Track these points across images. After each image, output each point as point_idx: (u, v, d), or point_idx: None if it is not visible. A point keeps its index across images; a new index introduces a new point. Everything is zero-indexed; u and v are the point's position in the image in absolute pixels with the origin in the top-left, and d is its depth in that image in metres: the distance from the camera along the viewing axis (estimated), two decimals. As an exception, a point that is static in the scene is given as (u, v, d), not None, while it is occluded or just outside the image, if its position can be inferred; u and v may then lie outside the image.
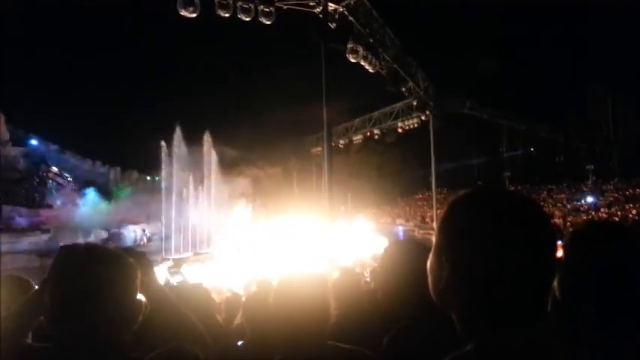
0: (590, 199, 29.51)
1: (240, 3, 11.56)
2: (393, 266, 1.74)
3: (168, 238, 26.03)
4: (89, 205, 34.24)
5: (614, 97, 37.97)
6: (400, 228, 29.96)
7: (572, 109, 38.60)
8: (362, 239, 22.59)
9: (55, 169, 36.73)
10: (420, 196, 42.72)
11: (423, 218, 30.27)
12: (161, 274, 17.64)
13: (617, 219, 22.38)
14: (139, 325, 1.26)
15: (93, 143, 41.08)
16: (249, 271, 13.00)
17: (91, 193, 35.51)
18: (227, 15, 11.61)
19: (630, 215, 24.08)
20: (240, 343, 2.51)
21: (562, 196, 32.64)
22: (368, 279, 7.32)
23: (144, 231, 31.19)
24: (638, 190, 29.70)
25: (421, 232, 26.88)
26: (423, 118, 20.76)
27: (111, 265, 1.21)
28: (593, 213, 26.93)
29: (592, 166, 35.70)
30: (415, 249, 1.72)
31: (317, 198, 22.76)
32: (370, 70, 14.99)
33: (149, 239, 30.64)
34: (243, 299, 4.34)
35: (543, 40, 40.30)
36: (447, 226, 0.86)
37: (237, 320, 3.34)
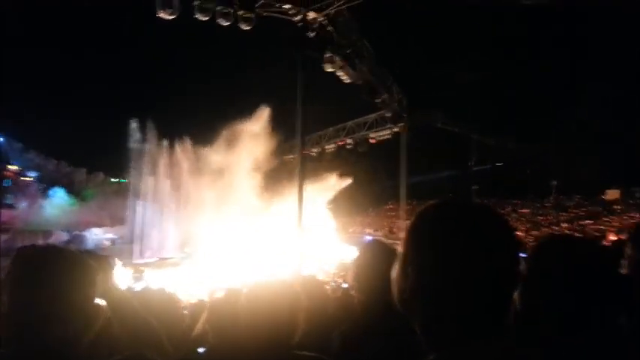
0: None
1: (219, 7, 11.48)
2: (364, 267, 1.79)
3: (133, 242, 25.46)
4: (52, 206, 33.22)
5: (580, 114, 39.32)
6: (369, 238, 30.14)
7: (539, 125, 39.84)
8: (326, 247, 22.59)
9: (12, 167, 35.52)
10: (390, 206, 43.17)
11: (391, 229, 30.57)
12: (124, 279, 17.18)
13: (578, 234, 23.10)
14: (97, 329, 1.21)
15: (58, 143, 39.88)
16: (215, 277, 12.82)
17: (59, 193, 34.46)
18: (206, 19, 11.50)
19: (590, 231, 24.91)
20: (201, 350, 2.46)
21: (526, 210, 33.55)
22: (334, 285, 7.34)
23: (106, 234, 30.39)
24: (598, 207, 30.88)
25: (388, 242, 27.10)
26: (395, 129, 21.04)
27: (69, 267, 1.17)
28: (556, 228, 27.77)
29: (555, 182, 36.91)
30: (384, 250, 1.77)
31: (288, 206, 22.70)
32: (346, 81, 15.11)
33: (113, 242, 29.90)
34: (209, 305, 4.26)
35: (516, 56, 41.47)
36: (412, 237, 0.86)
37: (200, 327, 3.26)
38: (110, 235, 30.37)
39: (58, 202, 33.87)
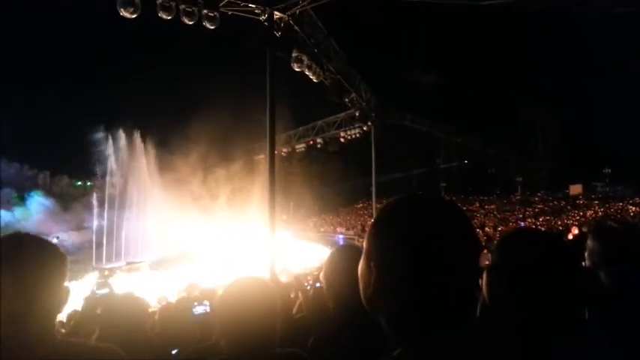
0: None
1: (183, 6, 11.25)
2: (334, 270, 1.79)
3: (99, 246, 24.83)
4: (24, 211, 32.01)
5: (543, 113, 40.68)
6: (340, 237, 30.26)
7: (503, 124, 41.03)
8: (294, 248, 22.52)
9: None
10: (361, 205, 43.49)
11: (363, 227, 30.76)
12: (88, 284, 16.74)
13: (543, 229, 23.71)
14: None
15: (21, 146, 38.51)
16: (185, 280, 12.60)
17: (36, 198, 33.13)
18: (169, 18, 11.25)
19: (555, 225, 25.67)
20: (174, 352, 2.45)
21: (493, 206, 34.35)
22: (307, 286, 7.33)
23: (57, 238, 29.33)
24: (562, 202, 31.86)
25: (361, 240, 27.26)
26: (365, 128, 21.15)
27: (47, 252, 1.22)
28: (522, 223, 28.49)
29: (521, 179, 37.95)
30: (353, 253, 1.78)
31: (259, 206, 22.55)
32: (314, 80, 15.10)
33: (78, 247, 28.98)
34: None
35: (482, 57, 42.54)
36: (376, 232, 0.86)
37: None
38: (59, 241, 29.34)
39: (33, 207, 32.65)
